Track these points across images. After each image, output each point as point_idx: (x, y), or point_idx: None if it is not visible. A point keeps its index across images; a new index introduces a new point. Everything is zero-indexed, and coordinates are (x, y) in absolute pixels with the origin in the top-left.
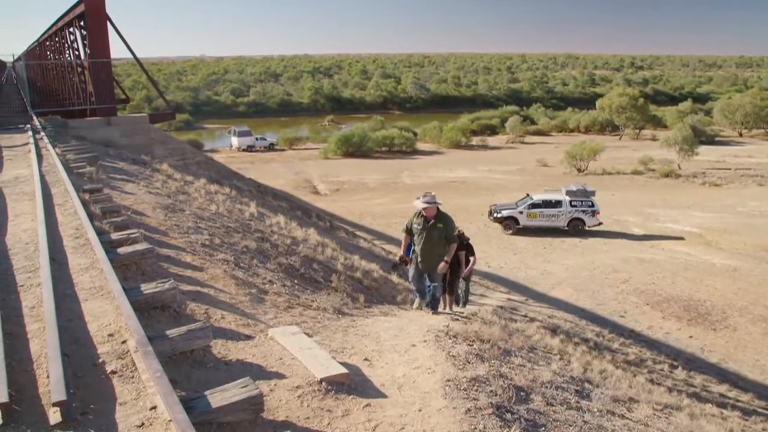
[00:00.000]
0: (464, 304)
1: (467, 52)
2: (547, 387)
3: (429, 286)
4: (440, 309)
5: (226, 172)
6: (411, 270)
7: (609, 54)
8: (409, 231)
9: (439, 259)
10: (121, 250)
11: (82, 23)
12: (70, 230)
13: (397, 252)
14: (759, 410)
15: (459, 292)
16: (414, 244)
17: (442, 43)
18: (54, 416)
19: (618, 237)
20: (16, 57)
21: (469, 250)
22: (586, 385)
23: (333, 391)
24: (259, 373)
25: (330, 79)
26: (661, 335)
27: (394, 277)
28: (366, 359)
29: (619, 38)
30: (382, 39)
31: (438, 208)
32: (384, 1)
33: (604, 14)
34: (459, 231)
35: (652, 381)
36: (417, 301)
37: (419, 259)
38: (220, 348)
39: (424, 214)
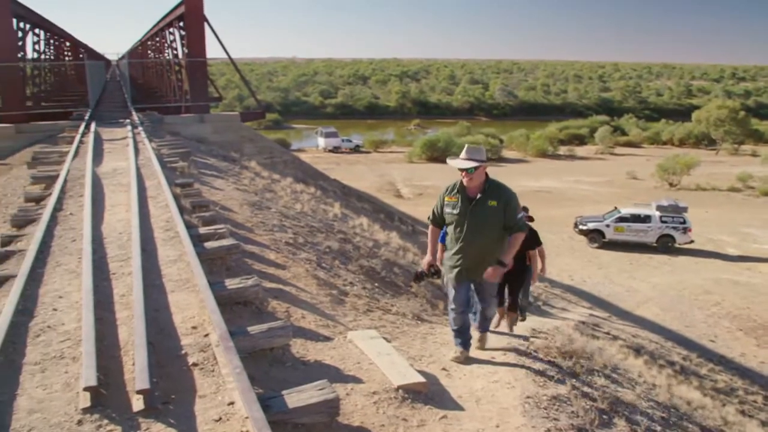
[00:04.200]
0: (523, 317)
1: (557, 60)
2: (630, 411)
3: (474, 308)
4: (491, 327)
5: (312, 172)
6: (448, 286)
7: (708, 64)
8: (438, 221)
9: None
10: (208, 244)
11: (181, 24)
12: (161, 222)
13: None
14: None
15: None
16: (448, 240)
17: (532, 49)
18: (137, 403)
19: (711, 257)
20: (120, 56)
21: (535, 239)
22: (672, 411)
23: (409, 400)
24: (336, 375)
25: (417, 84)
26: (755, 364)
27: None
28: (444, 369)
29: (720, 47)
30: (471, 45)
31: (487, 175)
32: (474, 7)
33: (703, 21)
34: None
35: (743, 412)
36: (460, 349)
37: (459, 264)
38: (299, 347)
39: (465, 184)
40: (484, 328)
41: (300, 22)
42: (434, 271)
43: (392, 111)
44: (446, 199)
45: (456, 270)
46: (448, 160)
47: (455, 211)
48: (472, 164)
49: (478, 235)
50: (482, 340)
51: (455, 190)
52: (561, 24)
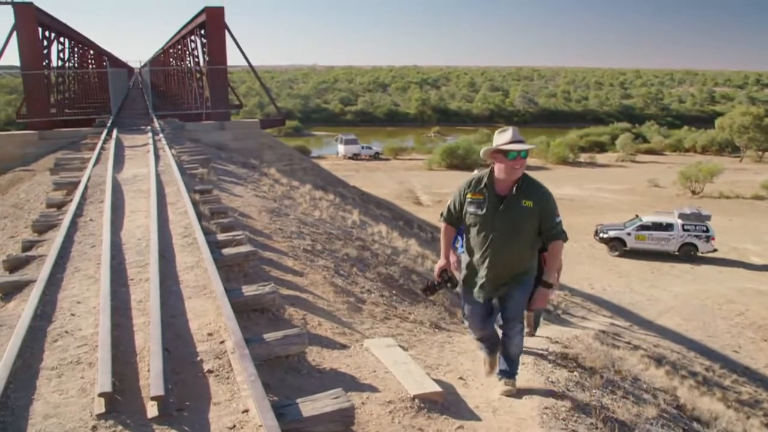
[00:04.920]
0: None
1: (578, 66)
2: (652, 423)
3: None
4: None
5: (331, 179)
6: (463, 301)
7: (731, 70)
8: (454, 218)
9: (524, 276)
10: (226, 251)
11: (202, 32)
12: (179, 229)
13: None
14: None
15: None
16: (466, 246)
17: (553, 56)
18: (151, 410)
19: (734, 266)
20: (142, 63)
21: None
22: (695, 424)
23: (425, 410)
24: (351, 384)
25: (437, 91)
26: None
27: None
28: (461, 378)
29: (743, 53)
30: (491, 52)
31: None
32: (494, 14)
33: (726, 27)
34: None
35: None
36: (484, 356)
37: (482, 277)
38: (315, 355)
39: (505, 175)
40: (511, 373)
41: (320, 29)
42: (447, 278)
43: (412, 118)
44: (469, 195)
45: (477, 284)
46: (483, 151)
47: (481, 212)
48: (526, 146)
49: (509, 241)
50: (511, 385)
51: (481, 186)
52: (582, 31)
